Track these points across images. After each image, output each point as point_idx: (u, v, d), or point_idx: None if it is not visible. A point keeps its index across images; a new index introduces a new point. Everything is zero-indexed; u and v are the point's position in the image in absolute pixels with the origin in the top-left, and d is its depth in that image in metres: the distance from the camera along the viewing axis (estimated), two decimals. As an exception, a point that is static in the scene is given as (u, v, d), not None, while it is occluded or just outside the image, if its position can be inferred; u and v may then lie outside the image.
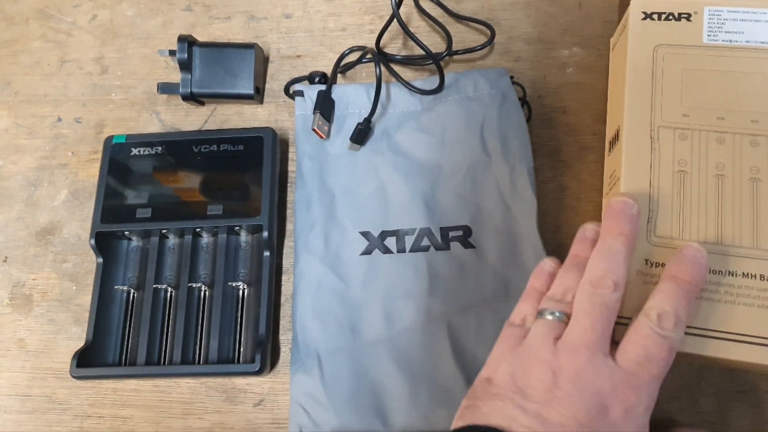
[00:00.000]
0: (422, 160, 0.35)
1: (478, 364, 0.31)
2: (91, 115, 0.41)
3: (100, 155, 0.37)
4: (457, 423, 0.23)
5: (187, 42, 0.38)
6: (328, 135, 0.36)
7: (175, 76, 0.40)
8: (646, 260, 0.25)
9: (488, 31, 0.39)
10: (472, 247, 0.33)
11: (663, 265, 0.26)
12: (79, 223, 0.39)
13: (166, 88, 0.40)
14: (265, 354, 0.32)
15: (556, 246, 0.35)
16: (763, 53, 0.28)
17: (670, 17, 0.29)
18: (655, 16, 0.29)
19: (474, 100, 0.36)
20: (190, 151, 0.37)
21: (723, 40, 0.28)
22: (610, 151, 0.31)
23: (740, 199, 0.26)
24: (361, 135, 0.35)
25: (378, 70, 0.34)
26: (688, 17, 0.28)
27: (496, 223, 0.33)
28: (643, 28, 0.29)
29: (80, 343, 0.34)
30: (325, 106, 0.36)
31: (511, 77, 0.37)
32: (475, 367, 0.31)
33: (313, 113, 0.36)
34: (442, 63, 0.38)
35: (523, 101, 0.37)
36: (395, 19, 0.35)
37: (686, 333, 0.24)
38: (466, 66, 0.40)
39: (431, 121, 0.36)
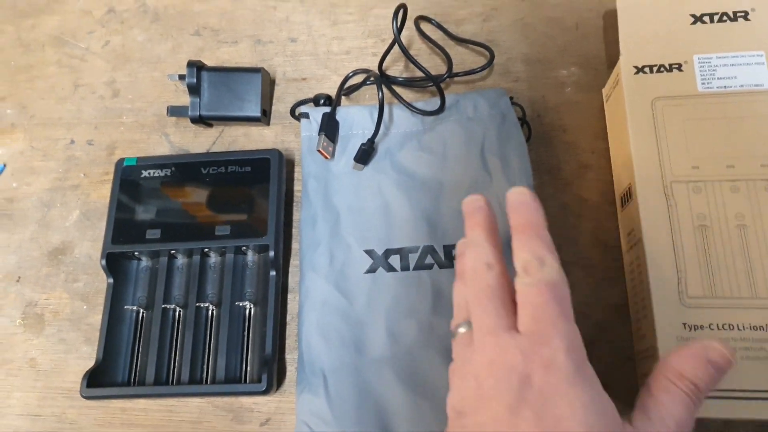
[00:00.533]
0: (425, 178, 0.36)
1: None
2: (103, 138, 0.42)
3: (111, 176, 0.38)
4: None
5: (196, 67, 0.40)
6: (332, 155, 0.37)
7: (184, 98, 0.41)
8: (684, 324, 0.24)
9: (487, 53, 0.40)
10: (475, 265, 0.33)
11: (702, 327, 0.24)
12: (90, 243, 0.39)
13: (175, 111, 0.41)
14: (272, 373, 0.33)
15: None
16: (760, 96, 0.27)
17: (662, 69, 0.28)
18: (647, 70, 0.29)
19: (474, 120, 0.37)
20: (199, 173, 0.38)
21: (718, 87, 0.28)
22: (623, 207, 0.30)
23: (767, 247, 0.25)
24: (365, 155, 0.36)
25: (380, 92, 0.35)
26: (680, 67, 0.28)
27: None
28: (637, 82, 0.29)
29: (90, 363, 0.35)
30: (329, 128, 0.37)
31: (511, 98, 0.37)
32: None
33: (318, 134, 0.37)
34: (442, 85, 0.39)
35: (523, 121, 0.38)
36: (396, 44, 0.36)
37: (739, 398, 0.22)
38: (467, 87, 0.41)
39: (433, 141, 0.37)
